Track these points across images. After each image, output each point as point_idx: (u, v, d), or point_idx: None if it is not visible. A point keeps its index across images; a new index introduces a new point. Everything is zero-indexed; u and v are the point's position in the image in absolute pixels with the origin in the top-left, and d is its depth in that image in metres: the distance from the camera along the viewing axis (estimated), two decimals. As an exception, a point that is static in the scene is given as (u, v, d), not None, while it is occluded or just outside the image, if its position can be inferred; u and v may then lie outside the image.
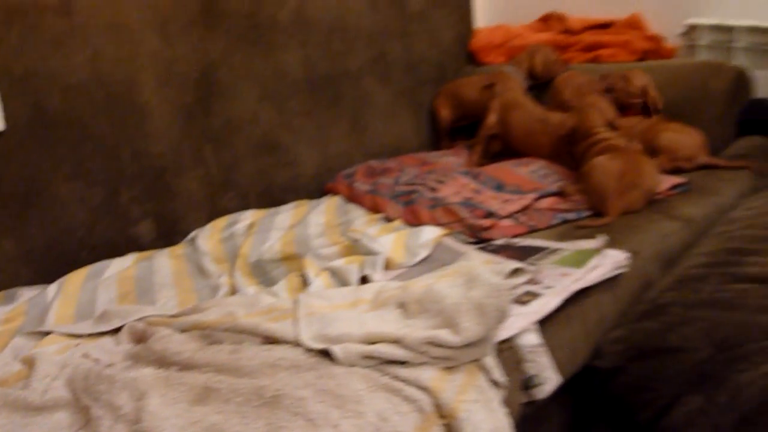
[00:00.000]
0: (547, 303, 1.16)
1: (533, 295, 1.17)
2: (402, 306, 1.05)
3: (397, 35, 2.07)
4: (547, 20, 2.38)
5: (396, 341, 0.95)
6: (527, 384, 1.10)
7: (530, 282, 1.22)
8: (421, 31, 2.14)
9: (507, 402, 1.01)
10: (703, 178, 1.73)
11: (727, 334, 1.16)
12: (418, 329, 0.97)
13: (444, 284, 1.04)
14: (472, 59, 2.36)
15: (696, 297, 1.23)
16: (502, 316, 0.98)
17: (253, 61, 1.73)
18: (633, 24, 2.24)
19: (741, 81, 1.95)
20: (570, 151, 1.77)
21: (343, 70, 1.94)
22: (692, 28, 2.10)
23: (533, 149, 1.88)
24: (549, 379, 1.11)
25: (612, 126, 1.76)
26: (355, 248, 1.39)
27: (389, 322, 1.01)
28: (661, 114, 1.90)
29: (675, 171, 1.76)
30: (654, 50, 2.18)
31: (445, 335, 0.95)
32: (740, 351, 1.13)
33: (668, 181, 1.67)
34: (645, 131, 1.83)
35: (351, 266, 1.30)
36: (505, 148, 1.96)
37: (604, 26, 2.29)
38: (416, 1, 2.13)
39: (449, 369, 0.96)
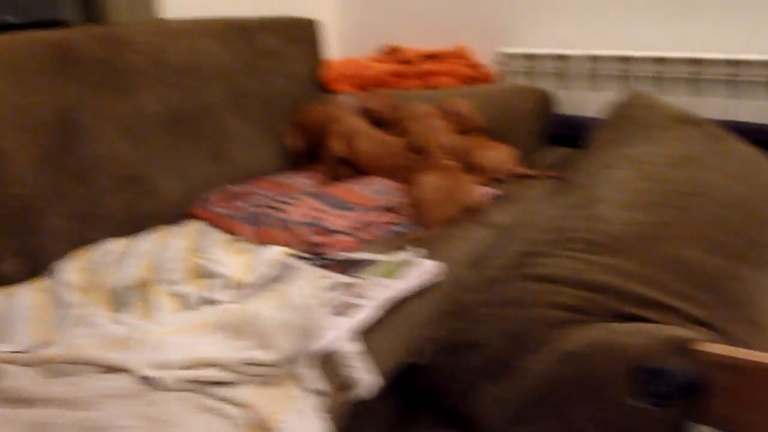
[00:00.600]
0: (367, 313, 1.18)
1: (355, 307, 1.19)
2: (227, 329, 1.04)
3: (251, 72, 2.05)
4: (389, 52, 2.42)
5: (218, 364, 0.95)
6: (349, 387, 1.11)
7: (354, 294, 1.23)
8: (274, 67, 2.13)
9: (331, 405, 1.02)
10: (515, 187, 1.80)
11: (519, 328, 1.21)
12: (237, 351, 0.97)
13: (263, 307, 1.05)
14: (325, 89, 2.36)
15: (495, 297, 1.27)
16: (312, 334, 1.00)
17: (112, 102, 1.68)
18: (459, 54, 2.30)
19: (545, 101, 2.04)
20: (408, 171, 1.80)
21: (202, 106, 1.91)
22: (506, 57, 2.17)
23: (381, 171, 1.89)
24: (368, 381, 1.13)
25: (442, 147, 1.80)
26: (201, 272, 1.37)
27: (214, 346, 1.00)
28: (483, 133, 1.96)
29: (495, 182, 1.82)
30: (477, 77, 2.25)
31: (260, 355, 0.95)
32: (527, 342, 1.18)
33: (485, 193, 1.72)
34: (468, 149, 1.88)
35: (195, 290, 1.28)
36: (355, 170, 1.95)
37: (435, 56, 2.34)
38: (268, 40, 2.12)
39: (267, 384, 0.96)
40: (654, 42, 2.00)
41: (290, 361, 0.97)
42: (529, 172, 1.87)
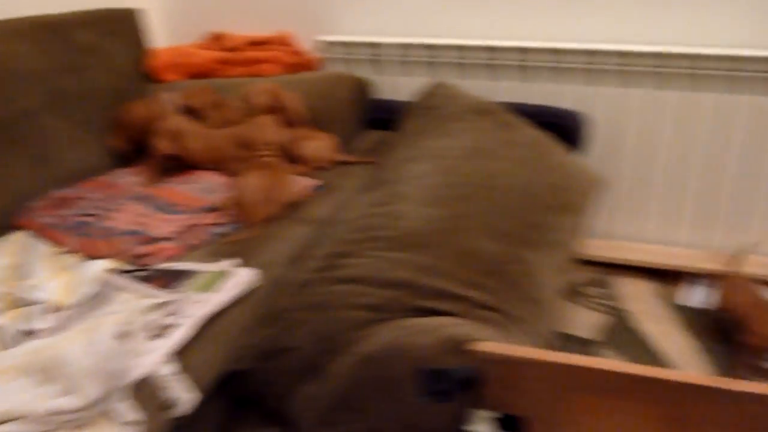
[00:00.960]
0: (181, 333, 1.17)
1: (170, 327, 1.17)
2: (33, 373, 1.00)
3: (69, 70, 1.91)
4: (213, 39, 2.32)
5: (23, 417, 0.91)
6: (167, 407, 1.11)
7: (172, 313, 1.22)
8: (94, 62, 1.99)
9: (152, 428, 1.02)
10: (334, 176, 1.81)
11: (327, 331, 1.24)
12: (44, 399, 0.94)
13: (72, 347, 1.01)
14: (152, 80, 2.25)
15: (304, 301, 1.29)
16: (121, 375, 0.97)
17: None
18: (282, 41, 2.25)
19: (362, 87, 2.05)
20: (236, 165, 1.76)
21: (19, 111, 1.76)
22: (325, 44, 2.15)
23: (209, 166, 1.83)
24: (187, 399, 1.13)
25: (266, 143, 1.78)
26: (17, 301, 1.30)
27: (19, 395, 0.96)
28: (306, 123, 1.94)
29: (317, 171, 1.82)
30: (300, 64, 2.22)
31: (67, 402, 0.92)
32: (335, 344, 1.22)
33: (306, 185, 1.73)
34: (291, 141, 1.86)
35: (11, 322, 1.21)
36: (183, 166, 1.88)
37: (260, 43, 2.28)
38: (84, 35, 1.97)
39: (79, 428, 0.94)
40: (456, 30, 2.05)
41: (100, 402, 0.95)
42: (349, 158, 1.89)
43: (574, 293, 1.96)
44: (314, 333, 1.23)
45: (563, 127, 1.83)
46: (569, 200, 1.64)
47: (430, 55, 2.03)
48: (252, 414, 1.29)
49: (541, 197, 1.56)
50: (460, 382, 1.06)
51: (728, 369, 1.65)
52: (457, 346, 1.08)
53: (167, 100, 1.96)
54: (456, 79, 2.04)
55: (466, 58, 2.00)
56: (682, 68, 1.84)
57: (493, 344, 1.08)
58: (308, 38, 2.22)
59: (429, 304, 1.27)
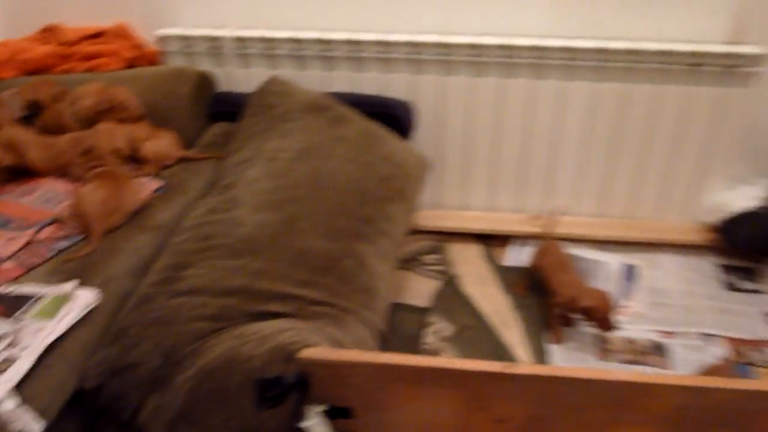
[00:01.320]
0: (22, 366, 1.15)
1: (9, 362, 1.15)
2: None
3: None
4: (47, 32, 2.17)
5: None
6: (13, 439, 1.10)
7: (13, 345, 1.19)
8: None
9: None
10: (178, 174, 1.78)
11: (170, 344, 1.26)
12: None
13: None
14: (-16, 77, 2.08)
15: (147, 317, 1.30)
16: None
17: None
18: (121, 33, 2.14)
19: (203, 81, 2.01)
20: (80, 172, 1.70)
21: None
22: (166, 38, 2.07)
23: (52, 174, 1.74)
24: (35, 428, 1.12)
25: (112, 151, 1.72)
26: None
27: None
28: (145, 120, 1.89)
29: (161, 170, 1.78)
30: (140, 57, 2.12)
31: None
32: (178, 357, 1.24)
33: (148, 188, 1.69)
34: (132, 142, 1.80)
35: None
36: (24, 176, 1.77)
37: (97, 36, 2.15)
38: None
39: None
40: (292, 22, 2.04)
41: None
42: (193, 155, 1.87)
43: (411, 263, 2.07)
44: (158, 348, 1.25)
45: (393, 117, 1.90)
46: (400, 188, 1.72)
47: (268, 47, 2.02)
48: (108, 427, 1.30)
49: (372, 190, 1.63)
50: (290, 387, 1.12)
51: (544, 322, 1.83)
52: (286, 355, 1.13)
53: (8, 98, 1.83)
54: (294, 70, 2.04)
55: (301, 49, 2.00)
56: (495, 57, 1.94)
57: (318, 350, 1.15)
58: (147, 31, 2.12)
59: (265, 307, 1.32)
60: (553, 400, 1.12)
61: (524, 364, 1.07)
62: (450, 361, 1.11)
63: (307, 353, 1.13)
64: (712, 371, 1.64)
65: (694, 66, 1.90)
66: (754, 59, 1.87)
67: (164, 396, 1.20)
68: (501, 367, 1.10)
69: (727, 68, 1.89)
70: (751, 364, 1.71)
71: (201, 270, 1.35)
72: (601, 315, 1.66)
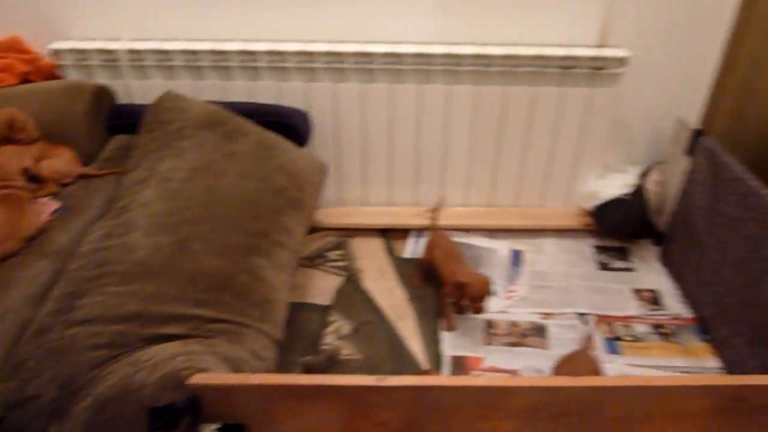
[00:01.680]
0: None
1: None
2: None
3: None
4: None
5: None
6: None
7: None
8: None
9: None
10: (78, 193, 1.73)
11: (68, 374, 1.25)
12: None
13: None
14: None
15: (44, 348, 1.28)
16: None
17: None
18: (13, 47, 2.04)
19: (100, 95, 1.95)
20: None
21: None
22: (60, 51, 1.99)
23: None
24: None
25: (8, 175, 1.65)
26: None
27: None
28: (42, 139, 1.82)
29: (60, 188, 1.74)
30: (35, 71, 2.03)
31: None
32: (76, 387, 1.24)
33: (47, 209, 1.65)
34: (29, 162, 1.74)
35: None
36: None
37: (-13, 49, 2.04)
38: None
39: None
40: (187, 32, 1.99)
41: None
42: (92, 171, 1.82)
43: (316, 260, 2.11)
44: (55, 379, 1.24)
45: (289, 126, 1.90)
46: (295, 197, 1.74)
47: (162, 59, 1.97)
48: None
49: (267, 203, 1.64)
50: (182, 412, 1.15)
51: (437, 311, 1.91)
52: (176, 382, 1.15)
53: None
54: (191, 80, 2.00)
55: (197, 60, 1.97)
56: (383, 64, 1.96)
57: (207, 375, 1.17)
58: (40, 45, 2.03)
59: (160, 330, 1.33)
60: (425, 404, 1.19)
61: (394, 376, 1.13)
62: (329, 377, 1.17)
63: (197, 378, 1.15)
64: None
65: (566, 69, 1.98)
66: (618, 61, 1.96)
67: (63, 426, 1.20)
68: (374, 380, 1.15)
69: (595, 70, 1.98)
70: (618, 339, 1.84)
71: (96, 298, 1.34)
72: (473, 293, 1.72)
